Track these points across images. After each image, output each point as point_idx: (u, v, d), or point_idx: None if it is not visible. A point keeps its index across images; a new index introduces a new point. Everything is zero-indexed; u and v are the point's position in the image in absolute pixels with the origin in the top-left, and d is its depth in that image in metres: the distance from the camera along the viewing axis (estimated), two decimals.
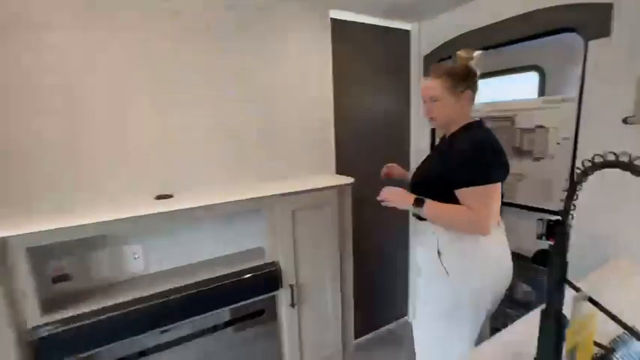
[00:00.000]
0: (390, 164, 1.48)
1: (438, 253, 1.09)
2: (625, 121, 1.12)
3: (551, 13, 1.31)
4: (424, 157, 1.30)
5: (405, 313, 2.27)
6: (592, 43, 1.20)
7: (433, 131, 1.97)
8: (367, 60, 1.82)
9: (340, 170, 1.73)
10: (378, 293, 2.10)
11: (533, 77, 1.63)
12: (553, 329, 0.56)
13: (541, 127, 1.47)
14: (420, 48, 1.95)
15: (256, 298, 1.37)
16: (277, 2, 1.44)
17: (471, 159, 1.00)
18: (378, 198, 1.15)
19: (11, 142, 1.05)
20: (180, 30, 1.26)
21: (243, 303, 1.34)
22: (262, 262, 1.39)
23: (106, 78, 1.16)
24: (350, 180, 1.52)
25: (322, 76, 1.63)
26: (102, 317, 1.08)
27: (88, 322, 1.06)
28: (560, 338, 0.55)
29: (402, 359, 1.89)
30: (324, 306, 1.56)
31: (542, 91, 1.61)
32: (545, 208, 1.47)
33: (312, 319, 1.53)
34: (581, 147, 1.26)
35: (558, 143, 1.41)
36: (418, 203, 1.06)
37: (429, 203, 1.05)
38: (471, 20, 1.63)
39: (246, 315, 1.40)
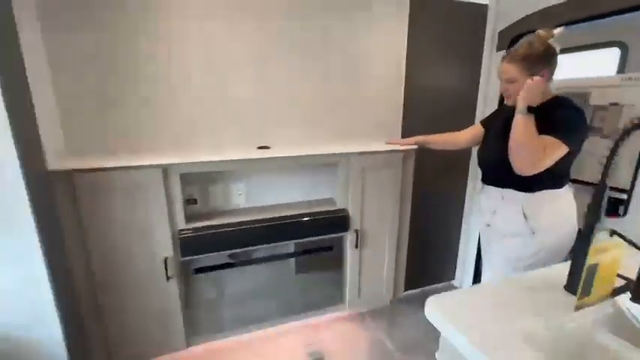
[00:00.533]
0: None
1: (524, 216, 1.21)
2: None
3: None
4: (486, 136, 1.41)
5: (451, 277, 2.44)
6: None
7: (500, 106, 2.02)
8: (441, 32, 1.91)
9: (405, 135, 1.91)
10: (428, 254, 2.29)
11: (612, 53, 1.59)
12: (583, 248, 0.74)
13: (615, 104, 1.49)
14: (496, 22, 1.97)
15: (328, 236, 1.68)
16: None
17: (565, 114, 1.10)
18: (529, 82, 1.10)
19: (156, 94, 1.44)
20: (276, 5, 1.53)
21: (318, 238, 1.67)
22: (335, 208, 1.69)
23: (234, 51, 1.49)
24: (415, 146, 1.71)
25: (397, 47, 1.78)
26: (222, 231, 1.48)
27: (212, 232, 1.46)
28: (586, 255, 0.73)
29: None
30: (382, 252, 1.83)
31: (622, 69, 1.57)
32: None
33: (370, 261, 1.81)
34: None
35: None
36: (529, 110, 1.09)
37: (531, 118, 1.08)
38: None
39: (319, 248, 1.72)
